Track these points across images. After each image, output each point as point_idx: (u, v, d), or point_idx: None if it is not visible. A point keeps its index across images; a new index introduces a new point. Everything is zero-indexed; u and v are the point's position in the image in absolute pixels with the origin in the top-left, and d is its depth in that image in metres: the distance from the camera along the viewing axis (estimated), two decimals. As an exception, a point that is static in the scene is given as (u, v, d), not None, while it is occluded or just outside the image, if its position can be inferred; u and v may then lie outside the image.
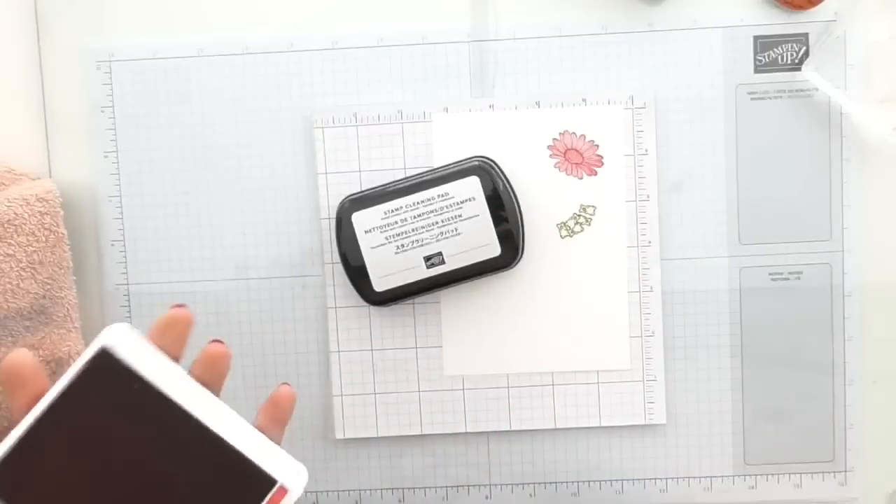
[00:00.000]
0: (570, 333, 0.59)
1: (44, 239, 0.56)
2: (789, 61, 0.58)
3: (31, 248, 0.56)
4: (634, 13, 0.58)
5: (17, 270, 0.55)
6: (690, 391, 0.60)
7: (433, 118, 0.58)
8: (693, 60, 0.58)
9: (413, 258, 0.56)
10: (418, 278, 0.56)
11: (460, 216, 0.56)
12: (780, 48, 0.58)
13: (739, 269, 0.59)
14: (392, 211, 0.56)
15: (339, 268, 0.57)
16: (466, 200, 0.56)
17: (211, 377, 0.44)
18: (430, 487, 0.61)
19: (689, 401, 0.60)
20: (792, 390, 0.59)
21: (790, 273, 0.59)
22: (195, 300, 0.60)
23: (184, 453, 0.42)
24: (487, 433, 0.60)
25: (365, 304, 0.57)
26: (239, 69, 0.59)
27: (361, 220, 0.56)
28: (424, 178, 0.56)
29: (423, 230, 0.56)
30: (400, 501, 0.61)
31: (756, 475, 0.60)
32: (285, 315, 0.60)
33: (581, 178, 0.58)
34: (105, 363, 0.41)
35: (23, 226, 0.55)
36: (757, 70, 0.58)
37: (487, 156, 0.57)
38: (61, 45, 0.59)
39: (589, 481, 0.60)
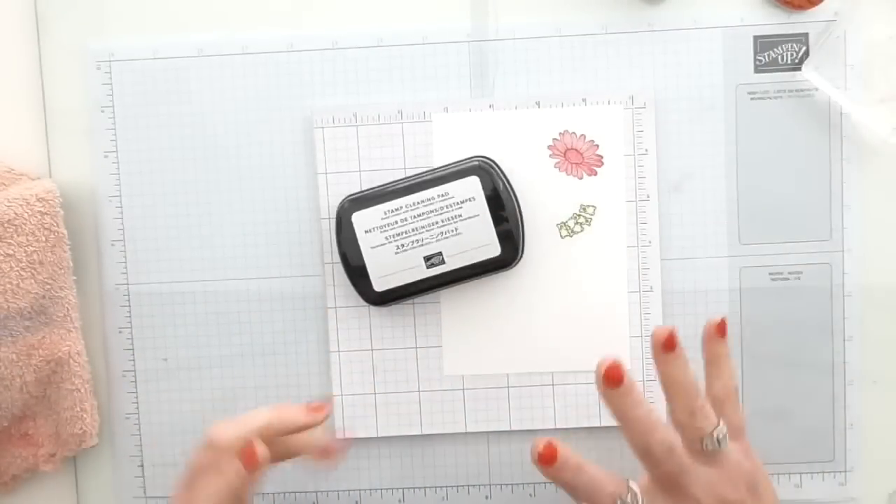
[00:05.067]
0: (570, 333, 0.59)
1: (44, 239, 0.56)
2: (789, 61, 0.58)
3: (31, 248, 0.56)
4: (634, 13, 0.58)
5: (17, 270, 0.55)
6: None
7: (433, 118, 0.58)
8: (693, 60, 0.58)
9: (413, 258, 0.56)
10: (418, 278, 0.56)
11: (460, 216, 0.56)
12: (780, 48, 0.58)
13: (739, 269, 0.59)
14: (392, 211, 0.56)
15: (339, 268, 0.57)
16: (466, 200, 0.56)
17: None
18: (430, 487, 0.61)
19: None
20: (792, 390, 0.59)
21: (790, 273, 0.59)
22: (195, 300, 0.60)
23: None
24: (487, 433, 0.60)
25: (365, 304, 0.57)
26: (239, 69, 0.59)
27: (361, 220, 0.56)
28: (424, 178, 0.56)
29: (423, 230, 0.56)
30: (400, 501, 0.61)
31: (756, 475, 0.60)
32: (285, 315, 0.60)
33: (581, 178, 0.58)
34: None
35: (23, 226, 0.55)
36: (757, 70, 0.58)
37: (487, 156, 0.57)
38: (61, 45, 0.59)
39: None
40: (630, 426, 0.48)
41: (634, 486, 0.48)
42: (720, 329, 0.51)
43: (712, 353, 0.51)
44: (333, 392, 0.60)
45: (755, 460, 0.50)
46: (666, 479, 0.48)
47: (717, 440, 0.48)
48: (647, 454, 0.48)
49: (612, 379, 0.47)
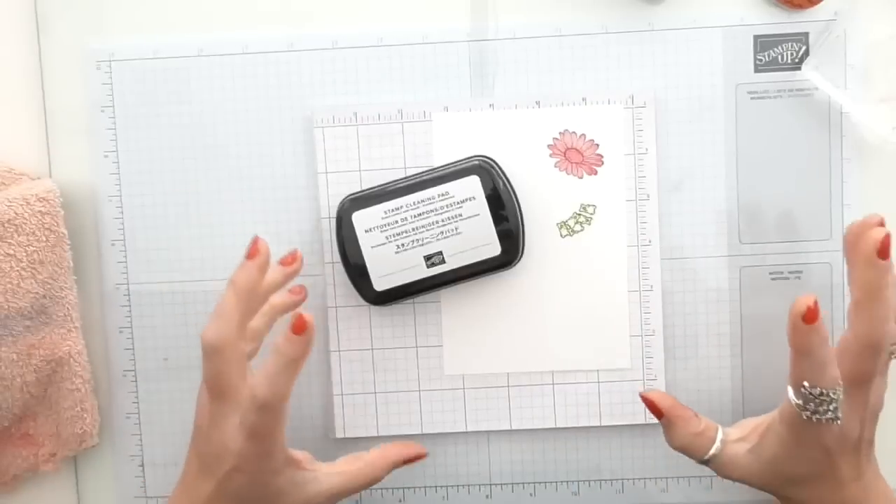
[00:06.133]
0: (570, 333, 0.59)
1: (44, 239, 0.56)
2: (789, 61, 0.58)
3: (31, 247, 0.56)
4: (634, 13, 0.58)
5: (18, 270, 0.55)
6: (690, 391, 0.59)
7: (433, 118, 0.58)
8: (693, 60, 0.58)
9: (413, 258, 0.56)
10: (418, 278, 0.56)
11: (460, 215, 0.56)
12: (780, 48, 0.58)
13: (739, 269, 0.59)
14: (392, 210, 0.56)
15: (339, 267, 0.57)
16: (466, 200, 0.56)
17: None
18: (430, 487, 0.61)
19: (689, 400, 0.59)
20: (792, 390, 0.59)
21: (790, 273, 0.59)
22: (195, 300, 0.60)
23: None
24: (487, 433, 0.60)
25: (365, 303, 0.57)
26: (239, 69, 0.59)
27: (361, 219, 0.56)
28: (424, 178, 0.56)
29: (424, 229, 0.56)
30: (400, 501, 0.61)
31: (756, 475, 0.60)
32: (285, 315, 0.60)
33: (581, 178, 0.58)
34: None
35: (23, 225, 0.55)
36: (757, 70, 0.58)
37: (487, 155, 0.57)
38: (61, 45, 0.59)
39: (589, 481, 0.60)
40: (865, 319, 0.47)
41: None
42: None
43: None
44: (334, 392, 0.60)
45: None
46: (857, 379, 0.48)
47: None
48: (874, 346, 0.47)
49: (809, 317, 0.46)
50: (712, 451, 0.52)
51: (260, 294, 0.52)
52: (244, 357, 0.50)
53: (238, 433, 0.49)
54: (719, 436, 0.53)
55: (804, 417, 0.48)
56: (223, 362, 0.49)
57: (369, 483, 0.55)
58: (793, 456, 0.50)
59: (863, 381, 0.48)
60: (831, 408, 0.47)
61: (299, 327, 0.48)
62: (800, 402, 0.48)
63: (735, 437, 0.53)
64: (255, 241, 0.51)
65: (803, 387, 0.47)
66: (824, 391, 0.47)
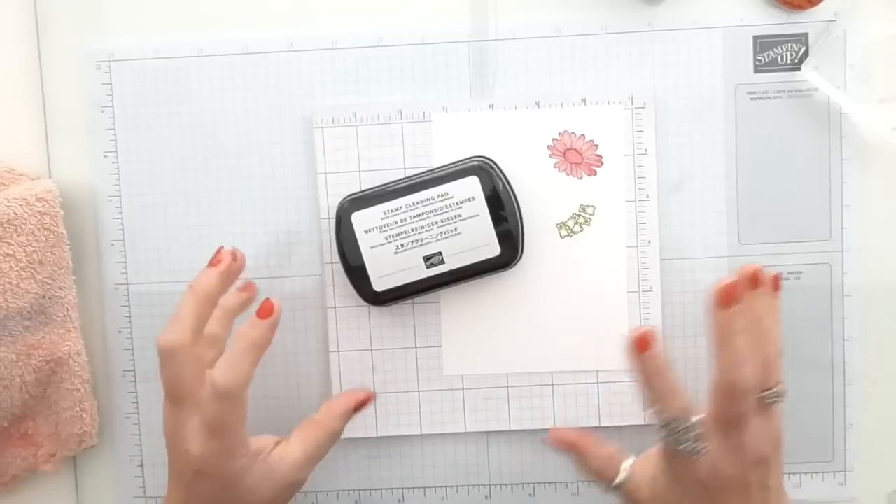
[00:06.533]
0: (569, 333, 0.59)
1: (44, 239, 0.56)
2: (789, 61, 0.58)
3: (30, 247, 0.56)
4: (634, 13, 0.58)
5: (17, 270, 0.55)
6: (690, 391, 0.59)
7: (433, 118, 0.58)
8: (693, 60, 0.58)
9: (413, 258, 0.56)
10: (418, 278, 0.56)
11: (460, 216, 0.56)
12: (779, 48, 0.58)
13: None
14: (392, 211, 0.56)
15: (339, 268, 0.57)
16: (466, 200, 0.56)
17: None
18: (430, 487, 0.61)
19: (688, 401, 0.59)
20: (792, 390, 0.59)
21: (790, 273, 0.59)
22: (195, 300, 0.60)
23: None
24: (487, 433, 0.60)
25: (364, 303, 0.57)
26: (239, 69, 0.59)
27: (361, 219, 0.56)
28: (424, 178, 0.56)
29: (423, 230, 0.56)
30: (400, 501, 0.61)
31: (756, 475, 0.60)
32: (285, 315, 0.59)
33: (581, 178, 0.58)
34: None
35: (23, 226, 0.55)
36: (757, 70, 0.58)
37: (487, 156, 0.57)
38: (61, 45, 0.59)
39: (589, 481, 0.60)
40: (717, 363, 0.48)
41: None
42: (774, 284, 0.51)
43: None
44: (333, 392, 0.60)
45: (781, 426, 0.50)
46: (726, 420, 0.48)
47: (777, 395, 0.48)
48: (731, 389, 0.47)
49: (642, 345, 0.48)
50: (619, 479, 0.53)
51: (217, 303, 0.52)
52: (201, 361, 0.50)
53: (198, 433, 0.49)
54: (626, 463, 0.53)
55: (668, 450, 0.49)
56: (178, 366, 0.49)
57: (332, 440, 0.55)
58: (676, 490, 0.50)
59: (730, 423, 0.48)
60: (688, 437, 0.48)
61: (265, 311, 0.48)
62: (660, 427, 0.49)
63: (641, 467, 0.53)
64: (219, 251, 0.52)
65: (655, 412, 0.49)
66: (674, 419, 0.48)
